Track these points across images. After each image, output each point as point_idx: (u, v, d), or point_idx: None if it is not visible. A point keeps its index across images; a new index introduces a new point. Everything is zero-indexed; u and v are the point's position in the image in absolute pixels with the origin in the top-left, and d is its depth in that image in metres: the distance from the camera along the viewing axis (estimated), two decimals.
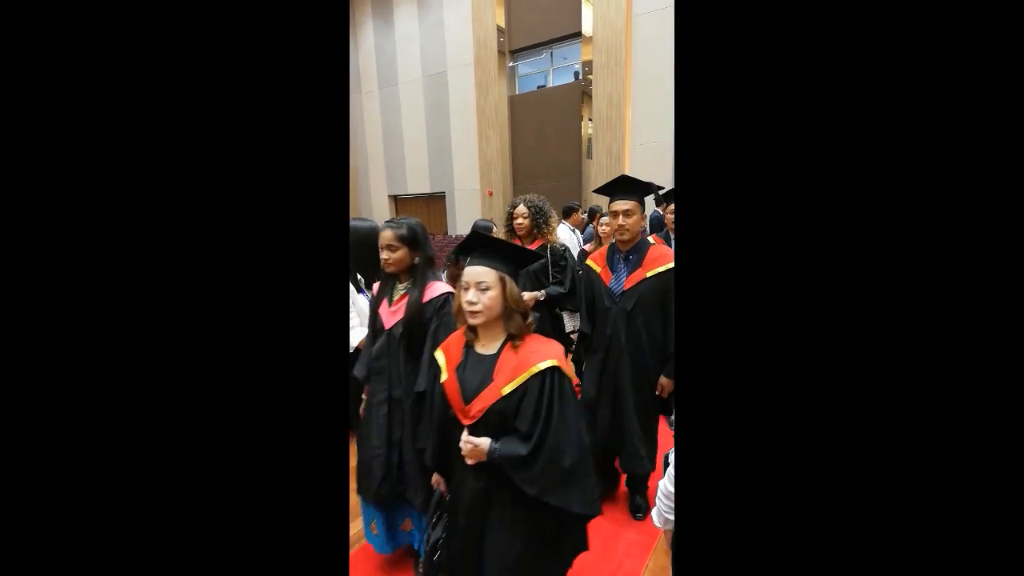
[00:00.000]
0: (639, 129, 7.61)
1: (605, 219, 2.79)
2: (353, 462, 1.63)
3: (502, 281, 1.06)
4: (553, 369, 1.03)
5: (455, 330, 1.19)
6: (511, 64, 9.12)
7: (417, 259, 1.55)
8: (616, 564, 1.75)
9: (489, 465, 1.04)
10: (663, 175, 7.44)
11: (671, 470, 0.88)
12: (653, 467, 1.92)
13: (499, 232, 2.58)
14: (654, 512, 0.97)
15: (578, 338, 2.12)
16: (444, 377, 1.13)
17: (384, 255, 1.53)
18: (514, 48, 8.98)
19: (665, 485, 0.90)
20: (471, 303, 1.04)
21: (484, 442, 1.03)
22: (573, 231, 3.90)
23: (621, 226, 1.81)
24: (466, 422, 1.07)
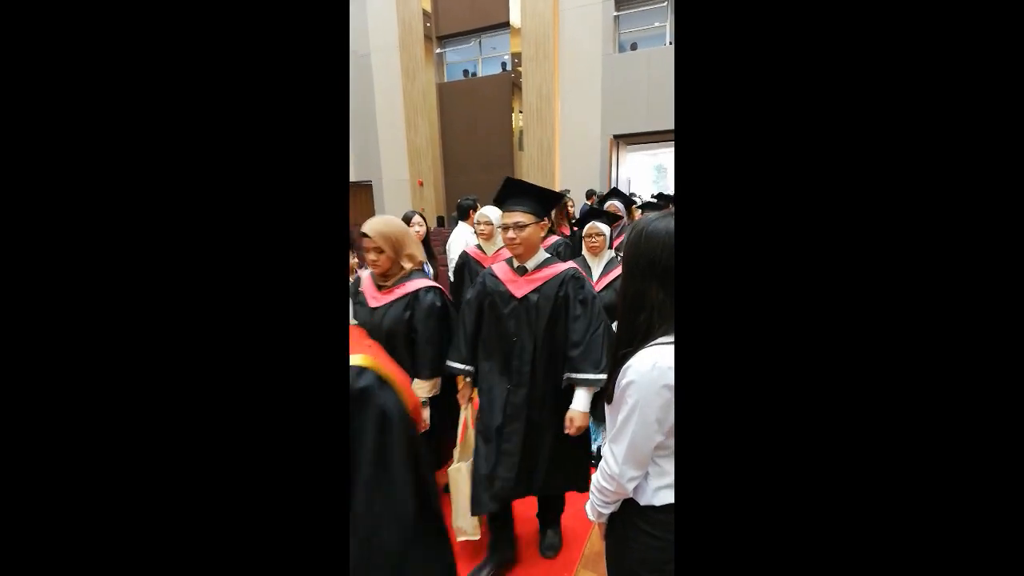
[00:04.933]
0: (568, 123, 7.75)
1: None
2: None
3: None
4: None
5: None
6: (439, 51, 8.87)
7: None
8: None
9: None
10: (592, 168, 7.66)
11: (602, 463, 0.87)
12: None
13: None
14: (588, 506, 0.96)
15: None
16: None
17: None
18: (441, 34, 8.73)
19: (597, 479, 0.89)
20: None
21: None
22: (474, 232, 3.53)
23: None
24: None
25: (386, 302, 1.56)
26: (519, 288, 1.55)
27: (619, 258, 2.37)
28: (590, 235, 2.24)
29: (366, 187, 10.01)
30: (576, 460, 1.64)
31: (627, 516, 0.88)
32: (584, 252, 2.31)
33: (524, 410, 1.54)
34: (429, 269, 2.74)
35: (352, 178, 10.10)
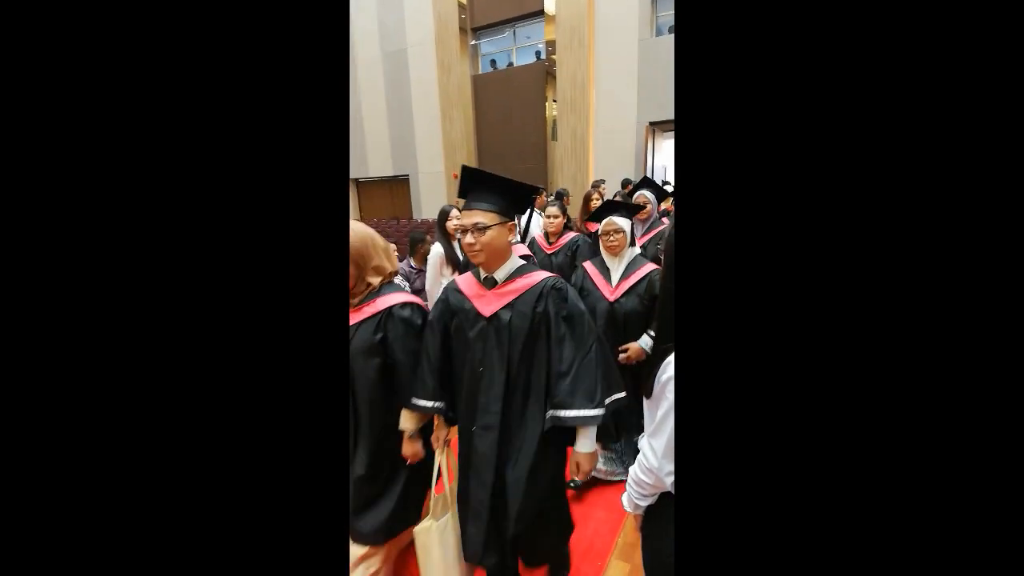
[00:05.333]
0: (603, 111, 7.61)
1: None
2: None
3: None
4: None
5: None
6: (473, 42, 8.87)
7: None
8: (587, 544, 1.79)
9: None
10: (627, 157, 7.50)
11: (640, 456, 0.89)
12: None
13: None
14: (624, 497, 0.98)
15: None
16: None
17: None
18: (476, 26, 8.72)
19: (635, 471, 0.90)
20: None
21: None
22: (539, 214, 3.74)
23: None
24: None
25: (352, 324, 1.29)
26: (487, 304, 1.24)
27: (644, 255, 2.15)
28: (607, 232, 1.89)
29: (403, 181, 10.22)
30: (559, 523, 1.40)
31: (664, 509, 0.89)
32: (602, 251, 1.97)
33: (492, 460, 1.23)
34: (405, 284, 2.67)
35: (390, 173, 10.33)
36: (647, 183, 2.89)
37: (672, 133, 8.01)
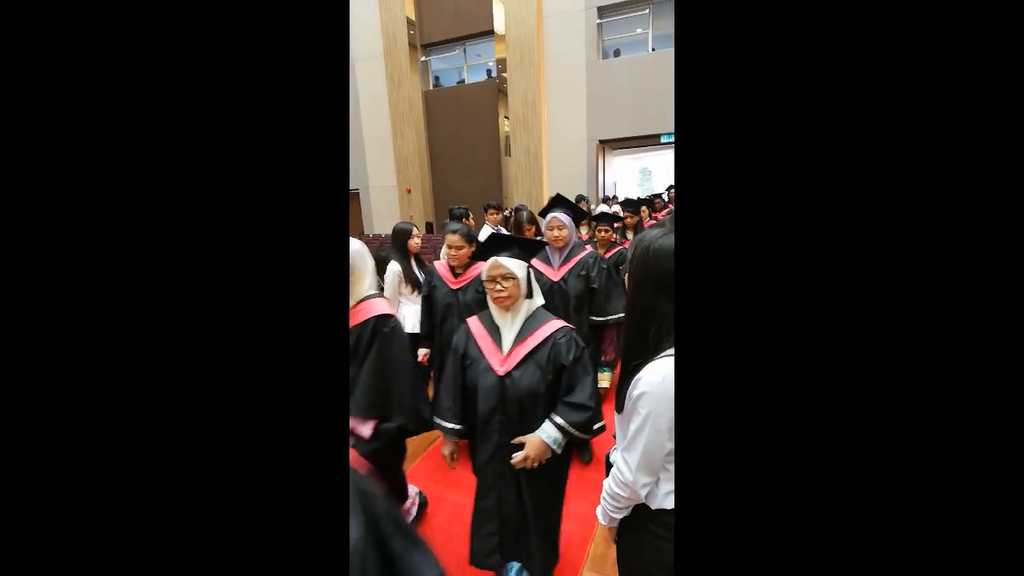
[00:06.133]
0: (555, 128, 7.84)
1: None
2: None
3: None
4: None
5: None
6: (423, 59, 8.90)
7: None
8: (560, 556, 1.80)
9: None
10: (579, 173, 7.75)
11: (615, 471, 0.91)
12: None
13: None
14: (599, 510, 0.99)
15: None
16: None
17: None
18: (426, 43, 8.77)
19: (610, 485, 0.92)
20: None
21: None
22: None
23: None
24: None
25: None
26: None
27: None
28: (492, 278, 1.41)
29: (353, 196, 9.98)
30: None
31: (639, 520, 0.91)
32: (489, 304, 1.45)
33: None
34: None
35: None
36: (561, 202, 2.27)
37: (620, 151, 8.38)
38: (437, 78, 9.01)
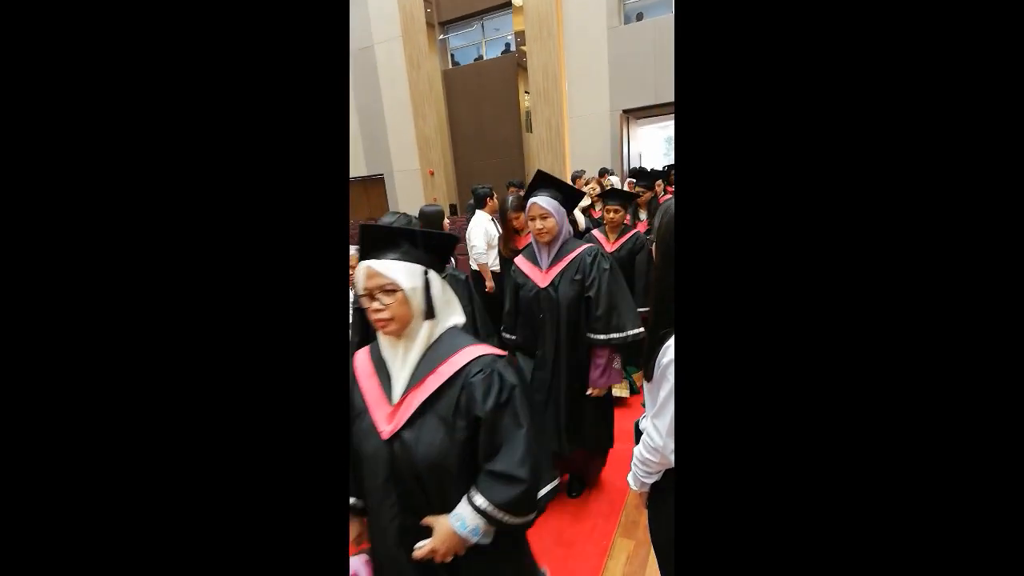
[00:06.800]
0: (576, 100, 7.64)
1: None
2: None
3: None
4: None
5: None
6: (441, 37, 8.78)
7: None
8: (591, 524, 1.85)
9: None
10: (602, 146, 7.56)
11: (645, 436, 0.93)
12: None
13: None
14: (630, 476, 1.02)
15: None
16: None
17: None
18: (443, 20, 8.62)
19: (640, 451, 0.94)
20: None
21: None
22: (492, 221, 3.24)
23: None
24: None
25: None
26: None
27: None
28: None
29: (378, 180, 10.09)
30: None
31: (669, 485, 0.93)
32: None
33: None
34: None
35: (365, 172, 10.17)
36: (544, 182, 1.77)
37: (645, 120, 8.11)
38: (455, 57, 8.88)
